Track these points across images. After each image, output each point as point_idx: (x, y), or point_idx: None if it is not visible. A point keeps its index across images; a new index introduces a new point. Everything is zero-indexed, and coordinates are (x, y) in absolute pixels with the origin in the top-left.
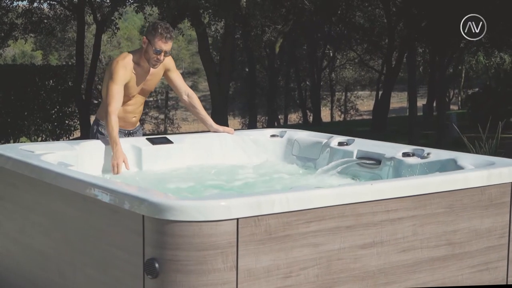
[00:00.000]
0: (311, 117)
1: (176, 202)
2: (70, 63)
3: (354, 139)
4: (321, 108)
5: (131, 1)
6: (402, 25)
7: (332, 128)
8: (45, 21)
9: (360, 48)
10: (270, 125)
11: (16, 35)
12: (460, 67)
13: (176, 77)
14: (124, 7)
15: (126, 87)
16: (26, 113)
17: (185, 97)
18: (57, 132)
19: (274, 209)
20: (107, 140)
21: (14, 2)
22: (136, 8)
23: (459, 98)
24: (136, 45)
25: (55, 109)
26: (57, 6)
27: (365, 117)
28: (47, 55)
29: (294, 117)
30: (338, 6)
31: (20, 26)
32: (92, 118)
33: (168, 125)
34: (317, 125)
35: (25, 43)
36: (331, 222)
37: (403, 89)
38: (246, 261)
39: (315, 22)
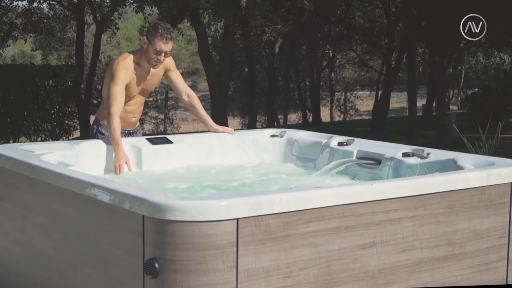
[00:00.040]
0: (310, 117)
1: (176, 202)
2: (69, 63)
3: (354, 139)
4: (321, 108)
5: (131, 1)
6: (401, 25)
7: (331, 128)
8: (45, 21)
9: (359, 48)
10: (269, 125)
11: (16, 35)
12: (459, 67)
13: (176, 77)
14: (124, 7)
15: (127, 87)
16: (25, 113)
17: (185, 97)
18: (56, 132)
19: (274, 209)
20: (107, 140)
21: (14, 2)
22: (135, 8)
23: (459, 98)
24: (136, 45)
25: (55, 109)
26: (57, 6)
27: (364, 117)
28: (47, 55)
29: (293, 117)
30: (338, 6)
31: (19, 26)
32: (92, 118)
33: (167, 125)
34: (316, 125)
35: (24, 43)
36: (331, 222)
37: (403, 89)
38: (246, 261)
39: (314, 22)
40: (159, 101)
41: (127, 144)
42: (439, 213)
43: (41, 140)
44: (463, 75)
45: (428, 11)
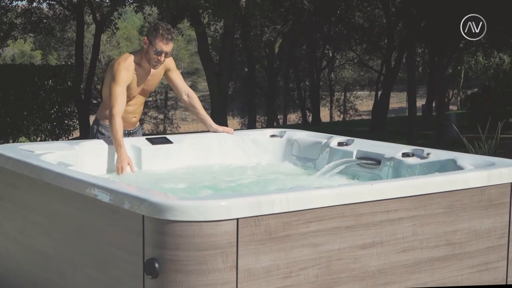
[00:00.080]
0: (310, 117)
1: (176, 202)
2: (69, 63)
3: (353, 139)
4: (320, 108)
5: (131, 1)
6: (401, 25)
7: (331, 128)
8: (45, 21)
9: (359, 48)
10: (269, 125)
11: (16, 34)
12: (459, 68)
13: (176, 77)
14: (124, 7)
15: (127, 88)
16: (25, 113)
17: (185, 97)
18: (56, 132)
19: (274, 209)
20: (108, 140)
21: (14, 1)
22: (135, 8)
23: (458, 98)
24: (136, 45)
25: (54, 109)
26: (57, 6)
27: (364, 117)
28: (46, 55)
29: (293, 117)
30: (338, 6)
31: (19, 26)
32: (92, 118)
33: (167, 125)
34: (316, 125)
35: (24, 43)
36: (331, 222)
37: (403, 89)
38: (246, 261)
39: (314, 22)
40: (158, 101)
41: (127, 144)
42: (439, 213)
43: (41, 140)
44: (462, 75)
45: (428, 11)
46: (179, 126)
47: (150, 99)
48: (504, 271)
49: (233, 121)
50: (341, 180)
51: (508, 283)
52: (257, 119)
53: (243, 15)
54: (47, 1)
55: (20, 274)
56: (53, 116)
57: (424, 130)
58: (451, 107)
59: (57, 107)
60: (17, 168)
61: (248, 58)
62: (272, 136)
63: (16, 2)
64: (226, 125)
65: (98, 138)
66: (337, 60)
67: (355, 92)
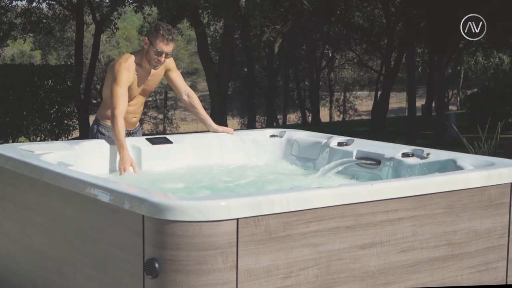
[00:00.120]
0: (310, 117)
1: (176, 202)
2: (69, 63)
3: (353, 140)
4: (320, 108)
5: (130, 1)
6: (401, 25)
7: (331, 128)
8: (44, 20)
9: (359, 48)
10: (269, 125)
11: (15, 34)
12: (459, 68)
13: (177, 77)
14: (123, 7)
15: (128, 88)
16: (25, 113)
17: (185, 97)
18: (56, 132)
19: (274, 209)
20: (108, 140)
21: (13, 1)
22: (135, 8)
23: (458, 98)
24: (135, 45)
25: (54, 109)
26: (56, 6)
27: (364, 117)
28: (46, 54)
29: (293, 117)
30: (337, 6)
31: (19, 26)
32: (91, 118)
33: (167, 125)
34: (316, 125)
35: (24, 43)
36: (331, 222)
37: (402, 89)
38: (246, 261)
39: (314, 22)
40: (158, 101)
41: (127, 144)
42: (439, 213)
43: (40, 140)
44: (462, 75)
45: (428, 11)
46: (178, 126)
47: (150, 99)
48: (504, 271)
49: (233, 121)
50: (341, 180)
51: (508, 283)
52: (256, 119)
53: (242, 15)
54: (47, 1)
55: (20, 274)
56: (52, 116)
57: (424, 130)
58: (450, 107)
59: (56, 107)
60: (17, 168)
61: (247, 58)
62: (272, 136)
63: (16, 2)
64: (226, 125)
65: (98, 138)
66: (337, 60)
67: (354, 92)
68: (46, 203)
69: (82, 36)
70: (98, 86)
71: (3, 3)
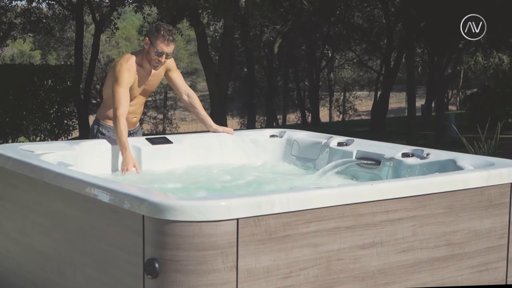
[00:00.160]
0: (309, 117)
1: (176, 202)
2: (68, 63)
3: (353, 140)
4: (320, 108)
5: (130, 1)
6: (400, 26)
7: (330, 128)
8: (44, 20)
9: (358, 49)
10: (268, 125)
11: (15, 34)
12: (458, 68)
13: (177, 76)
14: (123, 7)
15: (129, 88)
16: (24, 113)
17: (185, 97)
18: (55, 132)
19: (274, 209)
20: (108, 140)
21: (13, 1)
22: (135, 8)
23: (458, 98)
24: (135, 45)
25: (54, 109)
26: (56, 6)
27: (363, 117)
28: (46, 54)
29: (292, 117)
30: (337, 6)
31: (18, 26)
32: (91, 118)
33: (166, 125)
34: (315, 125)
35: (23, 43)
36: (331, 223)
37: (402, 89)
38: (246, 261)
39: (314, 22)
40: (158, 101)
41: None
42: (439, 214)
43: (40, 140)
44: (462, 75)
45: (427, 11)
46: (178, 126)
47: (150, 99)
48: (504, 271)
49: (233, 121)
50: (341, 180)
51: (507, 283)
52: (256, 119)
53: (242, 15)
54: (47, 1)
55: (20, 274)
56: (52, 116)
57: (424, 130)
58: (450, 107)
59: (56, 107)
60: (17, 168)
61: (247, 58)
62: (272, 136)
63: (16, 2)
64: (226, 125)
65: (98, 138)
66: (337, 60)
67: (354, 92)
68: (46, 203)
69: (82, 36)
70: (98, 86)
71: (3, 3)
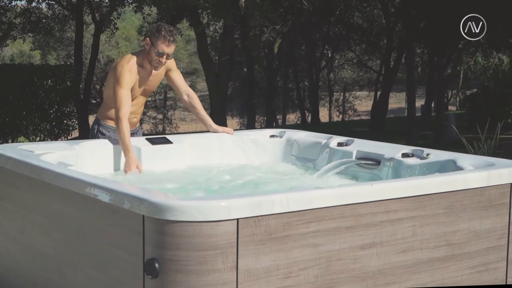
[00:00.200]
0: (309, 118)
1: (176, 202)
2: (68, 63)
3: (353, 140)
4: (319, 109)
5: (130, 1)
6: (400, 26)
7: (330, 128)
8: (44, 20)
9: (358, 49)
10: (268, 125)
11: (15, 34)
12: (458, 68)
13: (177, 76)
14: (123, 7)
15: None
16: (24, 113)
17: (185, 97)
18: (55, 132)
19: (274, 210)
20: (108, 140)
21: (13, 1)
22: (134, 8)
23: (457, 98)
24: (135, 45)
25: (54, 109)
26: (56, 6)
27: (363, 117)
28: (46, 54)
29: (292, 117)
30: (337, 6)
31: (18, 26)
32: (91, 118)
33: (166, 125)
34: (315, 126)
35: (23, 43)
36: (331, 223)
37: (402, 89)
38: (246, 262)
39: (313, 22)
40: (157, 101)
41: None
42: (439, 214)
43: (40, 140)
44: (461, 75)
45: (427, 12)
46: (178, 126)
47: (149, 99)
48: (504, 271)
49: (232, 121)
50: (341, 181)
51: (507, 284)
52: (256, 119)
53: (242, 15)
54: (46, 1)
55: (20, 274)
56: (52, 116)
57: (423, 131)
58: (450, 107)
59: (56, 107)
60: (17, 168)
61: (247, 58)
62: (272, 136)
63: (15, 2)
64: (225, 125)
65: (99, 138)
66: (336, 60)
67: (354, 92)
68: (46, 203)
69: (81, 36)
70: (98, 86)
71: (3, 3)
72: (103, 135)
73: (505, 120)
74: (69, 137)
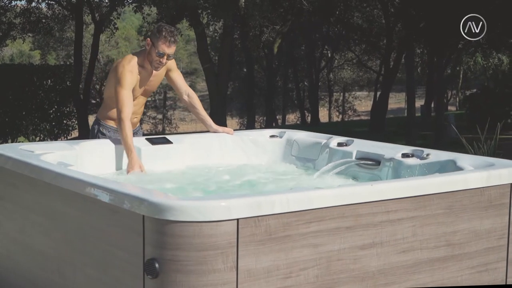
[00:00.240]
0: (309, 118)
1: (176, 202)
2: (68, 63)
3: (353, 140)
4: (319, 109)
5: (130, 1)
6: (400, 26)
7: (330, 128)
8: (43, 20)
9: (358, 49)
10: (268, 125)
11: (14, 34)
12: (458, 68)
13: (177, 76)
14: (123, 7)
15: None
16: (24, 113)
17: (185, 97)
18: (55, 132)
19: (274, 210)
20: (108, 140)
21: (12, 1)
22: (134, 8)
23: (457, 99)
24: (134, 45)
25: (53, 109)
26: (56, 6)
27: (363, 117)
28: (45, 54)
29: (292, 118)
30: (336, 6)
31: (18, 26)
32: (90, 118)
33: (166, 125)
34: (315, 126)
35: (23, 43)
36: (331, 223)
37: (401, 89)
38: (246, 262)
39: (313, 22)
40: (157, 101)
41: None
42: (439, 214)
43: (40, 140)
44: (461, 75)
45: (427, 12)
46: (177, 126)
47: (149, 99)
48: (504, 271)
49: (232, 121)
50: (341, 181)
51: (507, 284)
52: (256, 119)
53: (242, 15)
54: (46, 1)
55: (20, 274)
56: (52, 116)
57: (423, 131)
58: (449, 107)
59: (56, 107)
60: (17, 168)
61: (247, 58)
62: (272, 136)
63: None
64: (225, 125)
65: (99, 138)
66: (336, 61)
67: (353, 93)
68: (46, 203)
69: (81, 36)
70: (97, 86)
71: (2, 3)
72: (104, 135)
73: (505, 120)
74: (69, 137)
